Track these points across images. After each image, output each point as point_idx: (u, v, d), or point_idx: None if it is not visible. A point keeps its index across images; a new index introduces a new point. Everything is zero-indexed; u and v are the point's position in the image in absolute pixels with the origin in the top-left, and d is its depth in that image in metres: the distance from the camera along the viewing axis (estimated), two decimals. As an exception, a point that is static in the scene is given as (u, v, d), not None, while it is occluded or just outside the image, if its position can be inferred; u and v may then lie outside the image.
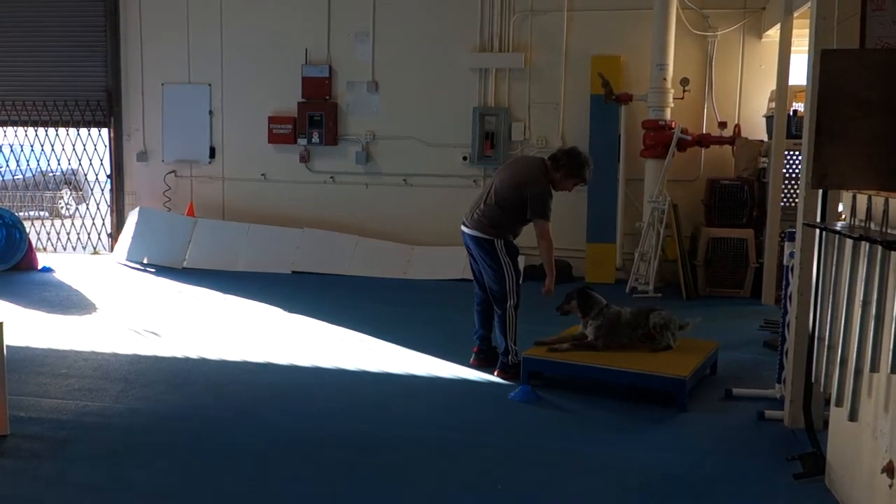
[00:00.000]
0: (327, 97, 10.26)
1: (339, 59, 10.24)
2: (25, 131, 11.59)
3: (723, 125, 9.07)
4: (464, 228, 5.90)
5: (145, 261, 10.10)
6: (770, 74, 8.65)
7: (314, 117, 10.23)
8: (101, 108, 10.96)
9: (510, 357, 5.67)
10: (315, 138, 10.23)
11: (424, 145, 10.12)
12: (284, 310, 7.71)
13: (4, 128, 11.69)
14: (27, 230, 10.01)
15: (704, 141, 9.03)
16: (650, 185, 8.97)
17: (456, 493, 3.88)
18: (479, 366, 5.92)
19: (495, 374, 5.71)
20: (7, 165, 12.68)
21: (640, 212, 9.23)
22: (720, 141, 9.00)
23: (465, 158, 9.97)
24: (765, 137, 8.84)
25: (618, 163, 9.27)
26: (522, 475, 4.06)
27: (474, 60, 9.85)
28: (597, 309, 5.57)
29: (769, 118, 8.59)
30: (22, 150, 12.15)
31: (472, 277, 6.11)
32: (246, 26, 10.42)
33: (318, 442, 4.44)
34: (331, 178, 10.42)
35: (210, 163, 10.71)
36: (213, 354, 6.18)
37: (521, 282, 5.85)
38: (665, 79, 8.87)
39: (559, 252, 9.64)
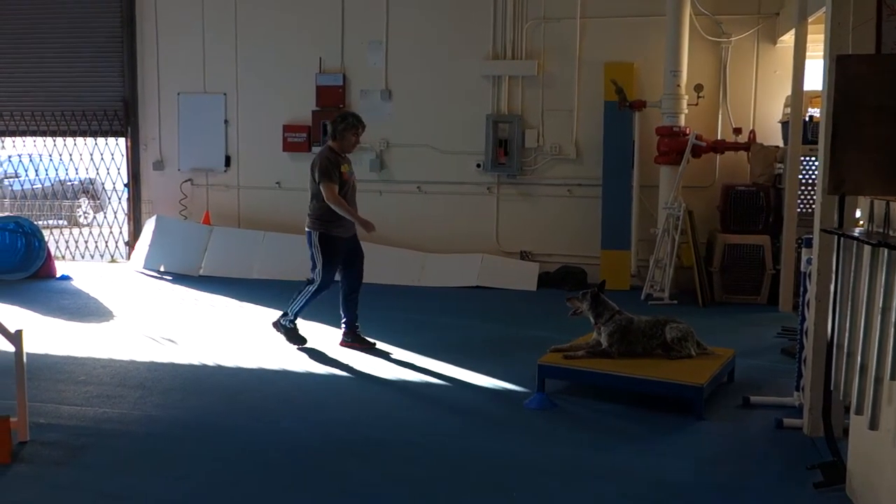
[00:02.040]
0: (341, 105, 10.31)
1: (353, 67, 10.29)
2: (44, 141, 11.71)
3: (737, 131, 9.03)
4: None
5: (162, 268, 10.17)
6: (785, 80, 8.61)
7: (328, 125, 10.25)
8: (119, 118, 11.06)
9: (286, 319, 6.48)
10: (329, 146, 10.26)
11: (438, 153, 10.14)
12: (301, 317, 7.72)
13: (24, 138, 11.81)
14: (46, 239, 10.10)
15: (719, 147, 9.00)
16: (665, 191, 8.95)
17: (469, 502, 3.87)
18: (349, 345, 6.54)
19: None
20: (26, 175, 12.83)
21: (654, 218, 9.20)
22: (735, 147, 8.97)
23: (478, 166, 9.98)
24: (780, 143, 8.80)
25: (632, 169, 9.25)
26: (537, 483, 4.05)
27: (487, 68, 9.87)
28: (608, 314, 5.52)
29: (784, 124, 8.55)
30: (41, 160, 12.29)
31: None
32: (260, 36, 10.50)
33: (333, 450, 4.45)
34: (345, 185, 10.44)
35: (225, 171, 10.78)
36: (229, 362, 6.21)
37: (331, 271, 6.45)
38: (679, 85, 8.85)
39: (575, 259, 9.72)
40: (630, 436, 4.74)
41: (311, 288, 6.45)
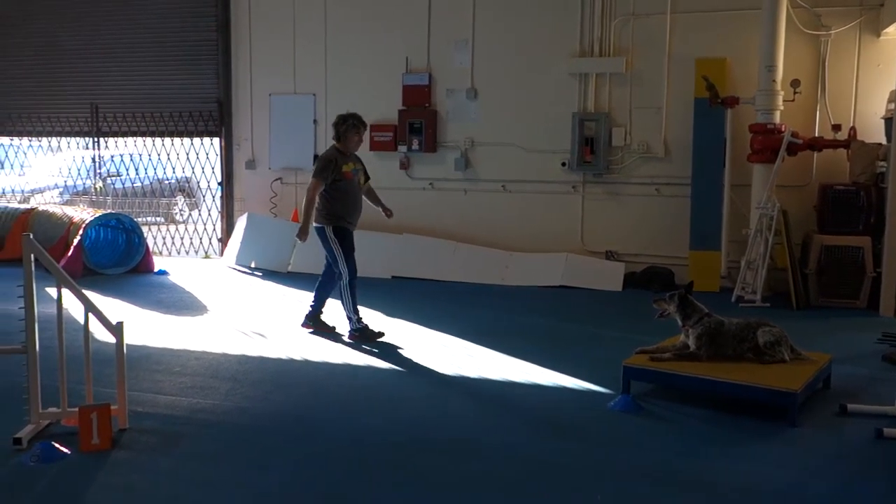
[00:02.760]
0: (427, 105, 10.39)
1: (439, 66, 10.36)
2: (143, 141, 12.24)
3: (836, 128, 8.66)
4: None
5: (253, 265, 10.48)
6: (888, 74, 8.21)
7: (414, 125, 10.38)
8: (213, 119, 11.46)
9: (353, 323, 6.76)
10: (415, 145, 10.38)
11: (523, 151, 10.10)
12: (384, 313, 7.84)
13: (125, 138, 12.38)
14: (145, 235, 10.56)
15: (817, 144, 8.65)
16: (758, 190, 8.66)
17: (550, 502, 3.84)
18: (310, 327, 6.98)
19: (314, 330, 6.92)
20: (127, 174, 13.44)
21: (746, 218, 8.92)
22: (834, 144, 8.60)
23: (563, 164, 9.89)
24: (883, 140, 8.38)
25: (723, 168, 8.99)
26: (621, 487, 3.98)
27: (574, 65, 9.77)
28: (697, 316, 5.38)
29: (888, 120, 8.15)
30: (140, 160, 12.85)
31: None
32: (349, 37, 10.69)
33: (415, 447, 4.49)
34: (430, 184, 10.53)
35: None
36: (316, 356, 6.35)
37: (351, 258, 6.78)
38: (774, 80, 8.55)
39: (662, 260, 9.52)
40: (720, 442, 4.61)
41: (345, 282, 6.75)
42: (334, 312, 7.16)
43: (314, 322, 7.06)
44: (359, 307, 6.85)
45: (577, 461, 4.28)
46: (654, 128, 9.57)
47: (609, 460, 4.30)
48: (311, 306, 7.09)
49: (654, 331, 6.05)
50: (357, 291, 6.80)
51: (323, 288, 7.05)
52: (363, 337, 6.76)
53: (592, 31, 9.74)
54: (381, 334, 6.82)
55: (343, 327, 6.99)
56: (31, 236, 4.38)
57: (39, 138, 13.05)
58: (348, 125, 6.84)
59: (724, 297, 8.50)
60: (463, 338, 6.89)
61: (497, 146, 10.21)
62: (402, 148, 10.46)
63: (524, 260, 9.83)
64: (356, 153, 7.08)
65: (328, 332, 6.99)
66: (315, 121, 10.95)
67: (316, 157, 10.93)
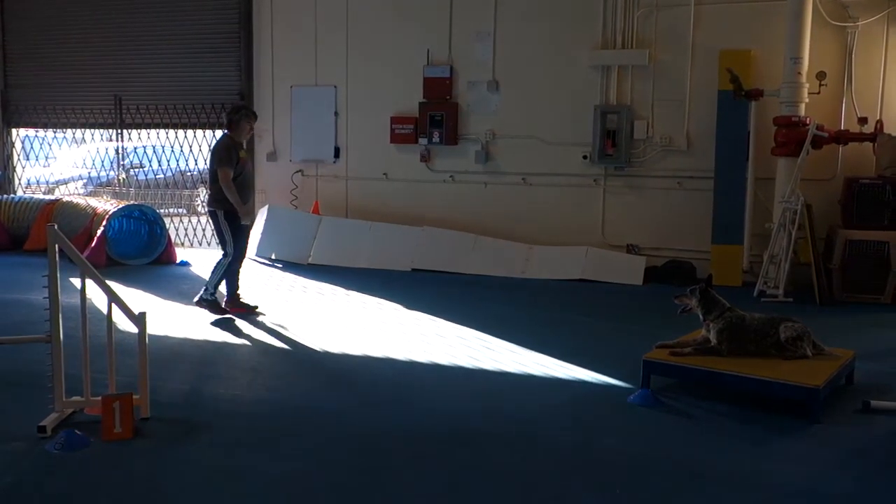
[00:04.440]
0: (448, 97, 10.37)
1: (461, 59, 10.33)
2: (167, 133, 12.32)
3: (863, 121, 8.53)
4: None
5: (273, 256, 10.53)
6: (918, 66, 8.08)
7: (435, 117, 10.36)
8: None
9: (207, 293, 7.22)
10: (436, 138, 10.37)
11: (544, 144, 10.06)
12: (404, 306, 7.86)
13: (148, 130, 12.47)
14: (167, 226, 10.65)
15: (842, 138, 8.54)
16: (782, 184, 8.56)
17: (569, 494, 3.83)
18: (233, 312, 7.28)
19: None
20: (150, 165, 13.55)
21: (770, 212, 8.82)
22: (860, 138, 8.48)
23: (585, 157, 9.84)
24: (911, 134, 8.26)
25: (746, 161, 8.90)
26: (639, 481, 3.96)
27: (596, 58, 9.70)
28: (718, 310, 5.32)
29: (916, 113, 8.01)
30: (163, 151, 12.94)
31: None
32: (370, 29, 10.68)
33: (433, 437, 4.50)
34: (451, 177, 10.52)
35: (335, 162, 11.05)
36: (336, 348, 6.38)
37: (241, 242, 7.24)
38: (800, 73, 8.44)
39: (684, 253, 9.45)
40: (741, 438, 4.57)
41: (225, 261, 7.20)
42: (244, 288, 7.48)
43: (209, 303, 7.31)
44: (232, 288, 7.39)
45: (595, 455, 4.27)
46: (677, 120, 9.49)
47: (628, 454, 4.29)
48: (231, 294, 7.41)
49: (674, 325, 6.01)
50: (237, 277, 7.37)
51: (235, 271, 7.37)
52: (209, 307, 7.26)
53: (615, 23, 9.66)
54: (248, 307, 7.38)
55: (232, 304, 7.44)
56: (56, 227, 4.43)
57: (64, 130, 13.19)
58: (241, 115, 7.22)
59: (747, 292, 8.42)
60: (482, 330, 6.89)
61: (518, 139, 10.18)
62: (423, 140, 10.45)
63: (544, 253, 9.80)
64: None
65: (251, 312, 7.37)
66: (336, 113, 10.97)
67: (337, 149, 10.99)
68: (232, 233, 7.15)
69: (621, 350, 6.27)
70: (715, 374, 5.10)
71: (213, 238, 11.87)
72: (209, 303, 7.32)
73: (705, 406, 5.05)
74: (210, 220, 7.34)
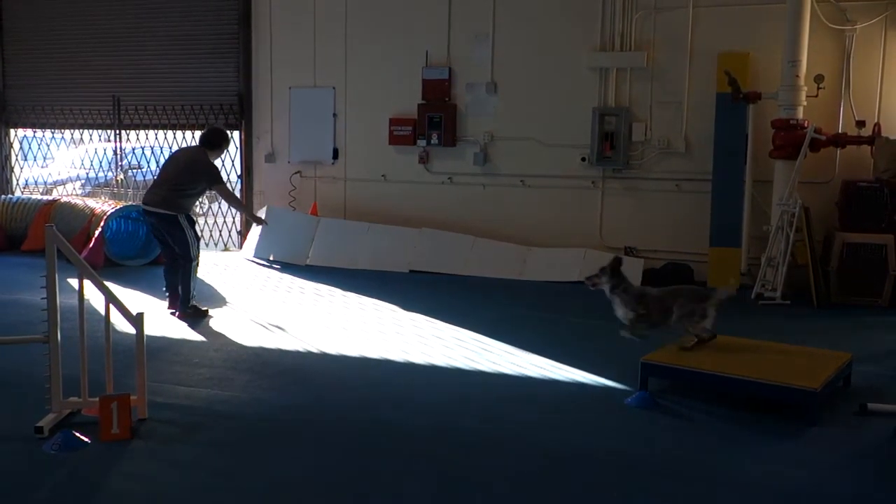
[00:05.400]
0: (447, 99, 10.38)
1: (459, 60, 10.34)
2: (164, 134, 12.31)
3: (861, 124, 8.55)
4: (148, 208, 7.25)
5: (271, 257, 10.53)
6: (915, 69, 8.09)
7: (434, 119, 10.37)
8: (234, 112, 11.51)
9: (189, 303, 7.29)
10: (434, 139, 10.37)
11: (542, 146, 10.06)
12: (402, 307, 7.86)
13: (146, 131, 12.46)
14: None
15: (840, 141, 8.55)
16: (780, 186, 8.57)
17: (565, 497, 3.83)
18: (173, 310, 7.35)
19: (177, 315, 7.25)
20: (148, 166, 13.54)
21: (768, 215, 8.83)
22: (858, 141, 8.49)
23: (583, 159, 9.84)
24: (908, 137, 8.27)
25: (744, 164, 8.91)
26: (636, 483, 3.97)
27: (594, 60, 9.71)
28: (624, 284, 5.65)
29: (914, 116, 8.03)
30: (161, 152, 12.92)
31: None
32: (369, 30, 10.69)
33: (431, 439, 4.50)
34: (449, 178, 10.53)
35: (333, 164, 11.05)
36: (333, 349, 6.38)
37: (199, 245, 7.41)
38: (797, 76, 8.45)
39: (681, 256, 9.46)
40: (738, 440, 4.57)
41: (194, 264, 7.32)
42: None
43: (193, 309, 7.34)
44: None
45: (592, 457, 4.27)
46: (675, 123, 9.50)
47: (625, 456, 4.29)
48: (177, 296, 7.38)
49: (672, 328, 6.01)
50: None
51: (178, 275, 7.34)
52: (195, 315, 7.30)
53: (613, 26, 9.67)
54: (207, 311, 7.44)
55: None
56: (54, 227, 4.43)
57: (62, 130, 13.17)
58: (227, 141, 7.62)
59: (744, 295, 8.44)
60: (479, 332, 6.89)
61: (516, 141, 10.18)
62: (422, 142, 10.45)
63: (542, 255, 9.80)
64: None
65: (204, 316, 7.34)
66: (335, 114, 10.97)
67: (336, 150, 10.99)
68: (194, 234, 7.33)
69: (619, 352, 6.26)
70: (713, 377, 5.11)
71: (210, 239, 11.90)
72: (193, 311, 7.33)
73: (703, 408, 5.06)
74: (168, 227, 7.20)
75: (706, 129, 9.24)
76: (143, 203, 7.40)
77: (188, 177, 7.20)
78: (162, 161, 13.07)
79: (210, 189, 7.44)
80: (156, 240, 7.74)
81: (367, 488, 3.89)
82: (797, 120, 8.47)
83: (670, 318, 5.43)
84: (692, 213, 9.43)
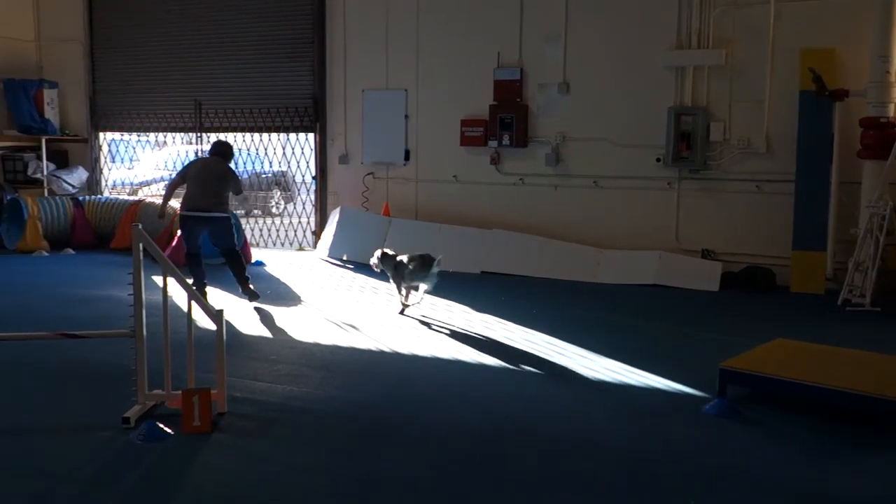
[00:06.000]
0: (518, 99, 10.33)
1: (531, 61, 10.28)
2: (243, 137, 12.62)
3: (956, 122, 8.14)
4: (201, 214, 7.95)
5: (345, 257, 10.68)
6: None
7: (505, 119, 10.34)
8: (309, 115, 11.72)
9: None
10: (505, 140, 10.34)
11: (616, 146, 9.92)
12: (473, 309, 7.85)
13: (225, 134, 12.79)
14: (243, 227, 10.89)
15: (933, 139, 8.16)
16: (868, 188, 8.23)
17: None
18: None
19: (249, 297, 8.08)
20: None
21: (855, 217, 8.49)
22: (953, 139, 8.09)
23: (658, 160, 9.66)
24: None
25: (830, 164, 8.59)
26: (716, 493, 3.85)
27: (671, 58, 9.52)
28: (392, 262, 7.50)
29: None
30: (239, 154, 13.26)
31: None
32: (441, 32, 10.73)
33: (507, 442, 4.47)
34: (520, 179, 10.48)
35: (405, 165, 11.13)
36: (405, 349, 6.42)
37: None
38: (888, 72, 8.11)
39: (762, 259, 9.18)
40: (824, 453, 4.39)
41: (240, 251, 8.46)
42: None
43: (252, 293, 8.13)
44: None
45: (669, 464, 4.18)
46: (756, 122, 9.23)
47: (703, 465, 4.18)
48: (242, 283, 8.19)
49: (751, 332, 5.85)
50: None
51: (238, 266, 8.19)
52: (254, 294, 8.15)
53: (690, 23, 9.46)
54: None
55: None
56: (140, 227, 4.59)
57: (147, 134, 13.65)
58: (233, 153, 8.54)
59: (830, 300, 8.13)
60: (551, 335, 6.83)
61: (589, 141, 10.07)
62: (493, 143, 10.44)
63: (616, 257, 9.66)
64: None
65: (258, 297, 8.14)
66: (406, 116, 11.05)
67: (408, 152, 11.07)
68: (241, 230, 8.75)
69: (696, 357, 6.13)
70: (797, 385, 4.93)
71: (285, 238, 12.15)
72: (252, 291, 8.11)
73: (786, 418, 4.88)
74: (219, 227, 8.06)
75: (788, 129, 8.95)
76: (196, 210, 7.95)
77: (224, 185, 8.10)
78: (239, 162, 13.46)
79: (235, 194, 8.45)
80: (188, 241, 8.22)
81: (436, 489, 3.88)
82: (888, 118, 8.13)
83: (409, 279, 7.42)
84: (773, 215, 9.15)
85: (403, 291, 7.56)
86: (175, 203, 8.99)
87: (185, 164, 8.53)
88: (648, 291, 8.96)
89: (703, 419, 4.86)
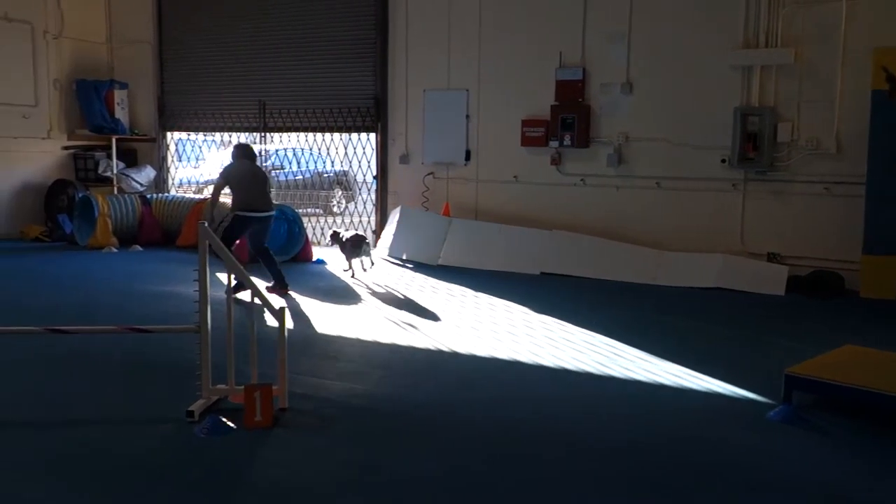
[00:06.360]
0: (580, 99, 10.25)
1: (594, 60, 10.19)
2: (305, 136, 12.84)
3: None
4: (262, 214, 8.34)
5: (404, 256, 10.75)
6: None
7: (567, 120, 10.27)
8: (370, 115, 11.84)
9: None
10: (567, 141, 10.27)
11: (680, 147, 9.76)
12: (532, 310, 7.82)
13: (288, 134, 13.03)
14: (305, 226, 11.07)
15: None
16: (944, 191, 7.92)
17: (707, 511, 3.69)
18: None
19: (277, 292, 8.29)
20: (290, 167, 14.15)
21: (930, 221, 8.18)
22: None
23: (723, 161, 9.46)
24: None
25: (904, 166, 8.30)
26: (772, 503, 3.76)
27: (737, 58, 9.32)
28: (340, 240, 9.70)
29: None
30: (301, 154, 13.48)
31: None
32: (502, 32, 10.71)
33: (561, 444, 4.45)
34: (581, 180, 10.39)
35: (465, 165, 11.15)
36: (464, 349, 6.43)
37: None
38: (967, 70, 7.78)
39: (830, 263, 8.92)
40: (893, 465, 4.25)
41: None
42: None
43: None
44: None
45: (733, 474, 4.09)
46: (826, 123, 8.97)
47: (768, 473, 4.08)
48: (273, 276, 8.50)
49: (818, 338, 5.69)
50: None
51: (271, 260, 8.49)
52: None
53: (758, 22, 9.25)
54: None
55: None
56: (206, 224, 4.70)
57: (212, 133, 13.98)
58: None
59: (902, 306, 7.87)
60: (611, 336, 6.76)
61: (652, 141, 9.93)
62: (554, 143, 10.37)
63: (677, 259, 9.50)
64: None
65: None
66: (468, 116, 11.07)
67: (468, 152, 11.09)
68: None
69: (760, 363, 5.99)
70: (865, 393, 4.78)
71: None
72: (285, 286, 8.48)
73: (854, 427, 4.74)
74: (271, 223, 8.59)
75: (860, 129, 8.67)
76: (258, 210, 8.28)
77: (268, 185, 8.83)
78: (302, 162, 13.69)
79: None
80: (254, 241, 8.47)
81: (493, 491, 3.88)
82: (966, 118, 7.80)
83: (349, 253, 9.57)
84: (843, 218, 8.88)
85: (347, 262, 9.64)
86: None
87: (225, 168, 8.57)
88: (711, 294, 8.79)
89: (766, 426, 4.75)
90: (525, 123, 10.57)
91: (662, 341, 6.63)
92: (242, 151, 8.62)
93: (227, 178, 8.40)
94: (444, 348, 6.46)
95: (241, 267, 4.81)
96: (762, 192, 9.40)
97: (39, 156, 12.95)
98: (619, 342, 6.60)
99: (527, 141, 10.57)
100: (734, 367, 5.90)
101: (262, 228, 8.40)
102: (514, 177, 10.78)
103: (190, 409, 4.64)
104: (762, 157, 9.20)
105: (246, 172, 8.41)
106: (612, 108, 10.14)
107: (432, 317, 7.56)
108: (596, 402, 5.19)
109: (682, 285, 9.14)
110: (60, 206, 12.61)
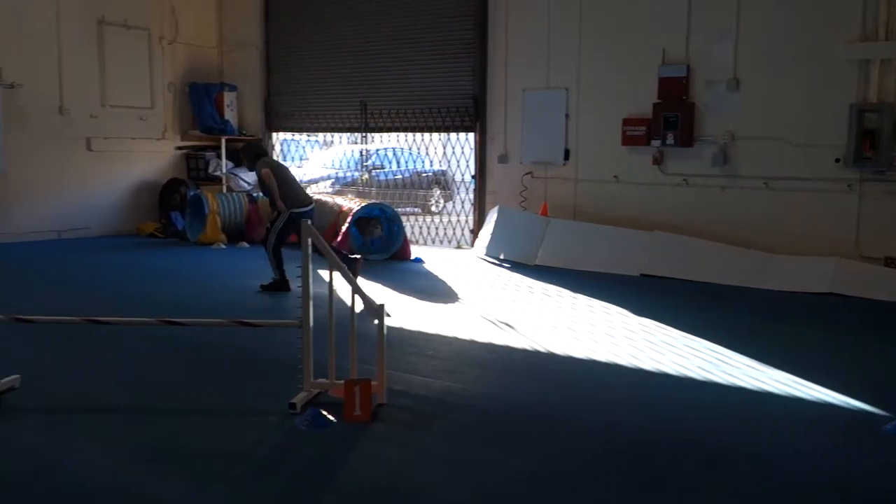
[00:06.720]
0: (684, 97, 9.98)
1: (698, 57, 9.89)
2: (405, 136, 13.01)
3: None
4: (312, 207, 8.39)
5: (501, 256, 10.74)
6: None
7: (669, 118, 10.01)
8: (469, 114, 11.88)
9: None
10: (669, 140, 10.02)
11: (790, 146, 9.36)
12: (632, 312, 7.67)
13: (388, 133, 13.24)
14: (403, 224, 11.22)
15: None
16: None
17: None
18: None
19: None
20: (389, 166, 14.38)
21: None
22: None
23: (837, 160, 9.01)
24: None
25: None
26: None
27: (854, 51, 8.86)
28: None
29: None
30: (401, 153, 13.67)
31: None
32: (603, 30, 10.55)
33: (657, 448, 4.34)
34: (684, 180, 10.12)
35: (564, 164, 11.04)
36: (561, 350, 6.37)
37: None
38: None
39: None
40: None
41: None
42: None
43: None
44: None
45: (845, 490, 3.88)
46: (952, 119, 8.42)
47: (877, 488, 3.86)
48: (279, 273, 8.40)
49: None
50: None
51: (282, 259, 8.36)
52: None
53: (877, 13, 8.76)
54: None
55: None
56: (309, 223, 4.83)
57: (315, 134, 14.36)
58: None
59: None
60: (714, 341, 6.55)
61: (760, 140, 9.56)
62: (656, 142, 10.13)
63: (787, 263, 9.11)
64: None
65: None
66: (567, 115, 10.95)
67: (567, 151, 10.98)
68: None
69: (876, 373, 5.69)
70: None
71: (444, 237, 12.39)
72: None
73: (981, 443, 4.43)
74: (314, 216, 8.36)
75: None
76: (309, 203, 8.40)
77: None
78: (401, 161, 13.89)
79: None
80: (290, 236, 8.47)
81: (592, 492, 3.83)
82: None
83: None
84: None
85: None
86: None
87: (266, 169, 8.22)
88: (823, 300, 8.39)
89: (882, 439, 4.50)
90: (626, 122, 10.37)
91: (769, 348, 6.38)
92: (260, 149, 8.74)
93: (278, 177, 8.16)
94: (541, 349, 6.42)
95: (342, 264, 4.92)
96: (880, 192, 8.90)
97: (154, 156, 13.64)
98: (723, 347, 6.39)
99: (627, 140, 10.37)
100: (848, 376, 5.62)
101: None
102: (615, 176, 10.59)
103: (292, 401, 4.78)
104: (880, 157, 8.71)
105: (285, 169, 8.53)
106: (718, 106, 9.82)
107: (529, 317, 7.52)
108: (696, 408, 5.04)
109: (791, 290, 8.76)
110: (173, 204, 13.24)
